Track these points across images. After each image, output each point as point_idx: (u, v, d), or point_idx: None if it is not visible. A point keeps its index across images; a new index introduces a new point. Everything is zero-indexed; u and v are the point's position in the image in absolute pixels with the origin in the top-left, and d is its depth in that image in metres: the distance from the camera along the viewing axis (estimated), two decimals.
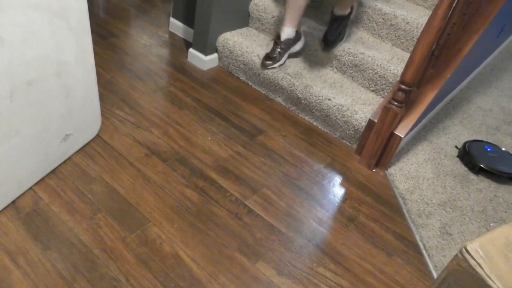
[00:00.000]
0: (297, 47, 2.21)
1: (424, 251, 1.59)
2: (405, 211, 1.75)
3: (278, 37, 2.15)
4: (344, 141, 2.06)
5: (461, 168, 2.03)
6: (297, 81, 2.10)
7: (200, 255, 1.41)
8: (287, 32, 2.12)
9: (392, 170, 1.93)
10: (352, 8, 2.12)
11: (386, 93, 2.08)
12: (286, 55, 2.19)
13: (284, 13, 2.10)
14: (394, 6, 2.18)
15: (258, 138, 1.97)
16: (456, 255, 0.83)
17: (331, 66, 2.22)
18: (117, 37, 2.47)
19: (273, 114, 2.14)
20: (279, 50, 2.14)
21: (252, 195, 1.67)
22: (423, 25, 1.65)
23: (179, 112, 2.01)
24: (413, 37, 2.12)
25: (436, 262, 1.55)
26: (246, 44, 2.29)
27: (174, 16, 2.60)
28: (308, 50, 2.27)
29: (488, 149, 2.11)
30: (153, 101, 2.04)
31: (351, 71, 2.16)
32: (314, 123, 2.13)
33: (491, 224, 1.76)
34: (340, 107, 2.00)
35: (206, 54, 2.34)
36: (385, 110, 1.80)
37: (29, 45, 1.25)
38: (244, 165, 1.80)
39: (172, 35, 2.61)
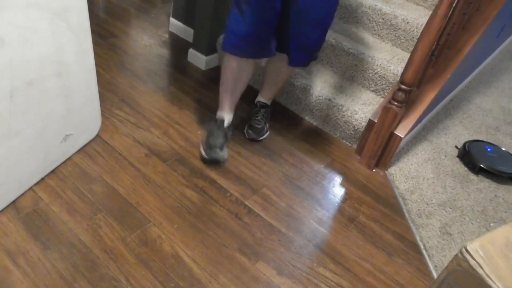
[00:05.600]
0: (231, 133, 1.89)
1: (424, 251, 1.59)
2: (405, 211, 1.75)
3: (220, 122, 1.79)
4: (344, 141, 2.06)
5: (461, 168, 2.03)
6: (297, 81, 2.10)
7: (200, 255, 1.41)
8: (229, 118, 1.83)
9: (392, 170, 1.93)
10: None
11: (386, 93, 2.08)
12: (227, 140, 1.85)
13: (221, 99, 1.82)
14: (394, 6, 2.18)
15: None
16: (456, 255, 0.83)
17: (331, 66, 2.22)
18: (117, 37, 2.47)
19: (273, 114, 2.14)
20: (223, 137, 1.78)
21: (252, 195, 1.67)
22: (423, 25, 1.65)
23: (179, 112, 2.01)
24: (413, 37, 2.12)
25: (436, 262, 1.55)
26: None
27: (174, 16, 2.60)
28: None
29: (488, 149, 2.11)
30: (153, 101, 2.04)
31: (351, 71, 2.16)
32: (314, 123, 2.13)
33: (491, 224, 1.76)
34: (340, 107, 2.00)
35: (206, 54, 2.34)
36: (385, 110, 1.80)
37: (29, 45, 1.25)
38: (244, 165, 1.80)
39: (172, 35, 2.61)
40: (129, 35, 2.52)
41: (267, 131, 1.97)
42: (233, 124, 1.88)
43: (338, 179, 1.85)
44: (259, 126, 1.93)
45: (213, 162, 1.74)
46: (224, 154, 1.75)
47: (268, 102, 2.00)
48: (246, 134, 1.94)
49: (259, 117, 1.95)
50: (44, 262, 1.30)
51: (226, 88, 1.80)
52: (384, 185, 1.86)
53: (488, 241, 0.84)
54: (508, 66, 3.13)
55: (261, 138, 1.94)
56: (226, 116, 1.83)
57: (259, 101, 1.99)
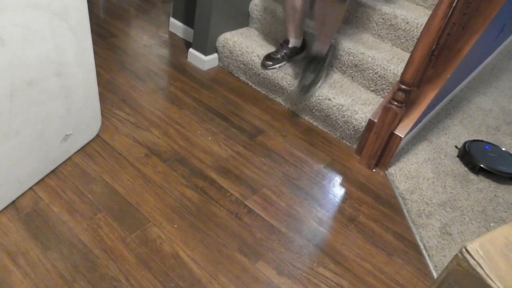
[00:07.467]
0: (299, 57, 2.24)
1: (424, 251, 1.59)
2: (405, 211, 1.75)
3: (286, 41, 2.17)
4: (344, 141, 2.06)
5: (461, 168, 2.03)
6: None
7: (200, 255, 1.41)
8: (294, 42, 2.15)
9: (392, 170, 1.93)
10: (330, 48, 2.09)
11: (386, 93, 2.08)
12: (286, 60, 2.20)
13: (286, 26, 2.11)
14: (394, 6, 2.18)
15: (258, 138, 1.97)
16: (456, 255, 0.83)
17: (331, 66, 2.22)
18: (117, 37, 2.47)
19: (273, 114, 2.14)
20: (283, 54, 2.15)
21: (252, 195, 1.67)
22: (423, 25, 1.65)
23: (179, 112, 2.01)
24: (413, 37, 2.12)
25: (436, 262, 1.55)
26: (246, 44, 2.29)
27: (174, 16, 2.60)
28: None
29: (488, 149, 2.11)
30: (153, 101, 2.04)
31: (351, 71, 2.16)
32: (314, 123, 2.13)
33: (491, 224, 1.76)
34: (340, 107, 1.99)
35: (206, 54, 2.34)
36: (385, 110, 1.80)
37: (29, 45, 1.25)
38: (244, 165, 1.80)
39: (172, 35, 2.61)
40: (129, 35, 2.52)
41: (317, 83, 2.06)
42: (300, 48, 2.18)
43: (338, 179, 1.85)
44: (307, 82, 2.01)
45: (264, 68, 2.17)
46: (274, 64, 2.13)
47: (322, 51, 2.04)
48: (297, 87, 2.05)
49: (310, 71, 2.02)
50: (44, 262, 1.30)
51: (287, 16, 2.05)
52: (384, 185, 1.86)
53: (488, 241, 0.84)
54: (508, 66, 3.13)
55: (311, 92, 2.03)
56: (292, 40, 2.12)
57: (310, 54, 2.07)
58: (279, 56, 2.15)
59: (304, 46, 2.22)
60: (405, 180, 1.89)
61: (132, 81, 2.14)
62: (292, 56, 2.19)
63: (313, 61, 2.04)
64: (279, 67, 2.17)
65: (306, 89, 2.01)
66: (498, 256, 0.82)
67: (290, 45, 2.15)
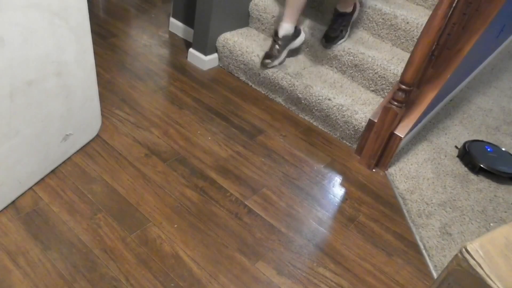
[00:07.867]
0: (296, 43, 2.19)
1: (424, 251, 1.59)
2: (405, 211, 1.75)
3: (275, 33, 2.13)
4: (344, 141, 2.06)
5: (461, 168, 2.03)
6: (297, 81, 2.10)
7: (200, 255, 1.42)
8: (285, 28, 2.09)
9: (392, 170, 1.93)
10: (355, 7, 2.12)
11: (386, 93, 2.08)
12: (285, 52, 2.17)
13: (284, 9, 2.09)
14: (394, 6, 2.18)
15: (258, 138, 1.97)
16: (456, 255, 0.83)
17: (331, 66, 2.22)
18: (117, 37, 2.47)
19: (273, 114, 2.14)
20: (277, 47, 2.11)
21: (252, 195, 1.67)
22: (423, 25, 1.65)
23: (179, 112, 2.01)
24: (413, 37, 2.12)
25: (436, 262, 1.55)
26: (246, 44, 2.29)
27: (174, 16, 2.60)
28: (308, 50, 2.27)
29: (488, 149, 2.11)
30: (153, 101, 2.04)
31: (351, 71, 2.16)
32: (314, 123, 2.13)
33: (491, 224, 1.76)
34: (340, 107, 2.00)
35: (206, 54, 2.34)
36: (385, 110, 1.80)
37: (29, 45, 1.25)
38: (244, 165, 1.80)
39: (172, 35, 2.61)
40: (129, 35, 2.52)
41: (342, 38, 2.13)
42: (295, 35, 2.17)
43: (338, 179, 1.85)
44: (333, 35, 2.08)
45: (264, 67, 2.17)
46: (273, 60, 2.12)
47: (347, 10, 2.08)
48: (322, 38, 2.12)
49: (335, 26, 2.07)
50: (44, 262, 1.30)
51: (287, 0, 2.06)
52: (384, 185, 1.86)
53: (488, 241, 0.84)
54: (508, 66, 3.13)
55: (335, 44, 2.12)
56: (283, 26, 2.09)
57: (336, 10, 2.10)
58: (274, 51, 2.11)
59: (297, 33, 2.17)
60: (405, 180, 1.89)
61: (132, 81, 2.14)
62: (287, 44, 2.14)
63: (339, 17, 2.08)
64: (279, 63, 2.17)
65: (331, 40, 2.07)
66: (498, 256, 0.82)
67: (280, 35, 2.10)
